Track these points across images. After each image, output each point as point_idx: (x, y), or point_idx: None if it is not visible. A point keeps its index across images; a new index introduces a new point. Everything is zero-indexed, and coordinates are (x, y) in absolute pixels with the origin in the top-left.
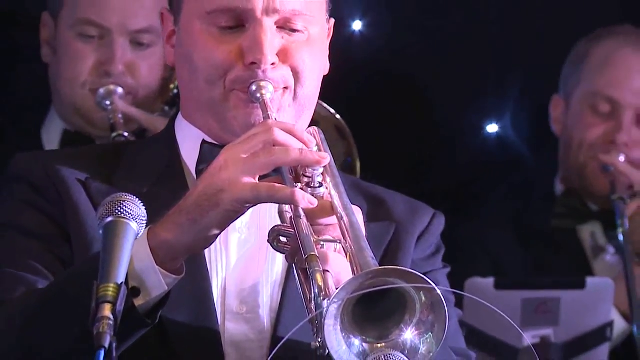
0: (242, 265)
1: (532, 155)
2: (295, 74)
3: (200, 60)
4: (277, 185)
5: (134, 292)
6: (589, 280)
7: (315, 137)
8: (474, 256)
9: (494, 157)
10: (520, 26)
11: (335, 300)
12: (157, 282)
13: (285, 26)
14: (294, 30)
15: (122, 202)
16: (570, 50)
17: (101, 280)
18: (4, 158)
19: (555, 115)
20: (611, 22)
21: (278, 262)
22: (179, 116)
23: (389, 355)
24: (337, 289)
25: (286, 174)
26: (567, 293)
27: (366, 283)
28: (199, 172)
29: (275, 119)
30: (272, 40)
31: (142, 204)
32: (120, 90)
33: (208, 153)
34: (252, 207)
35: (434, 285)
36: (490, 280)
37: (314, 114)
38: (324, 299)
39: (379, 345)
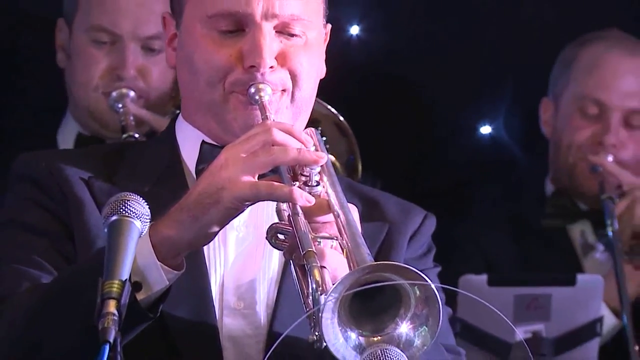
0: (240, 262)
1: (523, 156)
2: (293, 77)
3: (201, 62)
4: (275, 183)
5: (136, 286)
6: (579, 277)
7: (312, 137)
8: (468, 254)
9: (487, 158)
10: (511, 32)
11: (333, 295)
12: (159, 277)
13: (283, 31)
14: (292, 35)
15: (126, 201)
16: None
17: (106, 277)
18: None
19: (545, 118)
20: (598, 26)
21: (274, 259)
22: (180, 117)
23: (385, 350)
24: (334, 284)
25: (284, 173)
26: (558, 290)
27: (362, 278)
28: (199, 172)
29: (274, 120)
30: (270, 44)
31: (145, 203)
32: (132, 93)
33: (208, 153)
34: (251, 205)
35: (428, 280)
36: (483, 277)
37: (316, 113)
38: (321, 294)
39: (375, 338)
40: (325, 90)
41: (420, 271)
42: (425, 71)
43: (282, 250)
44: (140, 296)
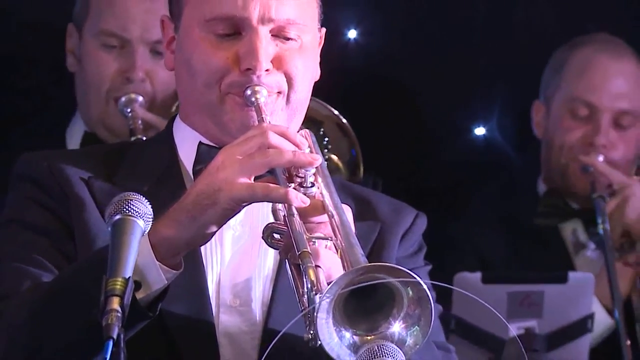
0: (236, 261)
1: (516, 157)
2: (289, 80)
3: (199, 65)
4: (271, 185)
5: (135, 286)
6: (571, 274)
7: (307, 139)
8: (463, 252)
9: (481, 158)
10: (504, 37)
11: (327, 295)
12: (158, 276)
13: (279, 34)
14: (288, 39)
15: (130, 201)
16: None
17: (110, 275)
18: None
19: (536, 120)
20: (589, 30)
21: (269, 258)
22: (177, 118)
23: (382, 346)
24: (328, 284)
25: (280, 175)
26: (550, 287)
27: (356, 279)
28: (196, 172)
29: (269, 122)
30: (266, 47)
31: (148, 203)
32: (140, 98)
33: (205, 154)
34: (247, 205)
35: (420, 280)
36: (477, 275)
37: (319, 114)
38: (316, 294)
39: (369, 337)
40: (323, 92)
41: (412, 269)
42: (421, 74)
43: (277, 250)
44: (139, 295)
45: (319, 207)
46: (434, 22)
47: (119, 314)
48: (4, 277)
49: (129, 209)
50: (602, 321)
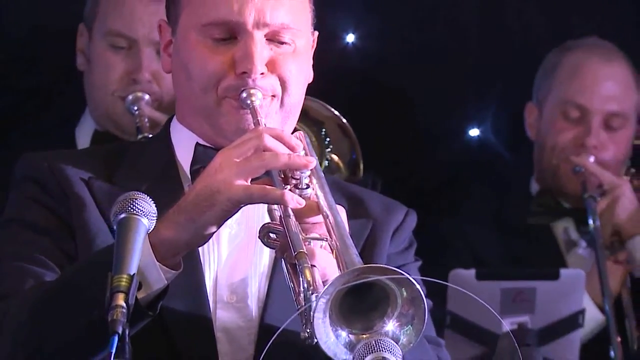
0: (233, 259)
1: (509, 157)
2: (283, 83)
3: (196, 69)
4: (268, 187)
5: None
6: (562, 271)
7: (302, 141)
8: (458, 249)
9: (476, 159)
10: (498, 42)
11: (324, 296)
12: (158, 276)
13: (273, 39)
14: (282, 43)
15: (135, 200)
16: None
17: (115, 272)
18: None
19: (529, 121)
20: (581, 33)
21: (265, 255)
22: (174, 119)
23: (379, 341)
24: (323, 283)
25: (276, 177)
26: (542, 283)
27: (352, 280)
28: (193, 172)
29: (265, 124)
30: (261, 51)
31: (152, 202)
32: (147, 97)
33: (202, 154)
34: (244, 206)
35: (411, 278)
36: (472, 272)
37: (321, 115)
38: (312, 293)
39: (364, 336)
40: (322, 94)
41: (403, 265)
42: (417, 77)
43: (273, 249)
44: (140, 295)
45: (314, 208)
46: (429, 27)
47: (124, 310)
48: (6, 276)
49: (134, 207)
50: (593, 317)
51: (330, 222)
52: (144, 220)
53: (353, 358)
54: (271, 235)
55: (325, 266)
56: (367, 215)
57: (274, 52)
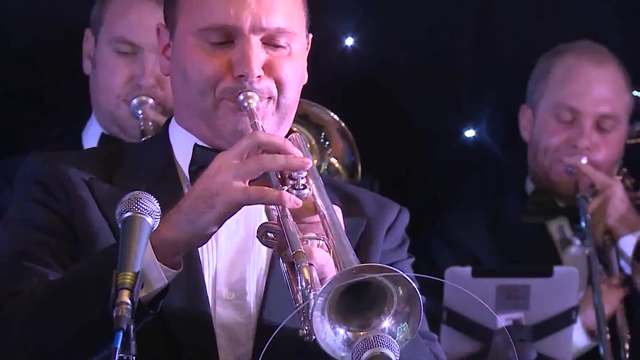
0: (231, 256)
1: (505, 157)
2: (279, 86)
3: (193, 72)
4: (266, 188)
5: None
6: (556, 269)
7: (297, 142)
8: (454, 248)
9: (471, 159)
10: (494, 45)
11: (323, 294)
12: (159, 276)
13: (269, 42)
14: (278, 46)
15: (139, 199)
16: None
17: (120, 269)
18: None
19: (523, 123)
20: (573, 37)
21: (262, 253)
22: (173, 121)
23: (377, 337)
24: (321, 281)
25: (273, 178)
26: (536, 280)
27: (349, 279)
28: (192, 172)
29: (262, 126)
30: (258, 55)
31: (156, 201)
32: (151, 101)
33: (200, 155)
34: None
35: (405, 275)
36: (468, 269)
37: (321, 119)
38: (310, 292)
39: (362, 333)
40: (321, 97)
41: (396, 262)
42: (414, 79)
43: (271, 248)
44: (141, 294)
45: (311, 208)
46: (426, 31)
47: (129, 306)
48: (10, 275)
49: (139, 206)
50: (583, 344)
51: (327, 222)
52: (148, 219)
53: (352, 353)
54: (269, 234)
55: (322, 264)
56: (361, 214)
57: (269, 55)
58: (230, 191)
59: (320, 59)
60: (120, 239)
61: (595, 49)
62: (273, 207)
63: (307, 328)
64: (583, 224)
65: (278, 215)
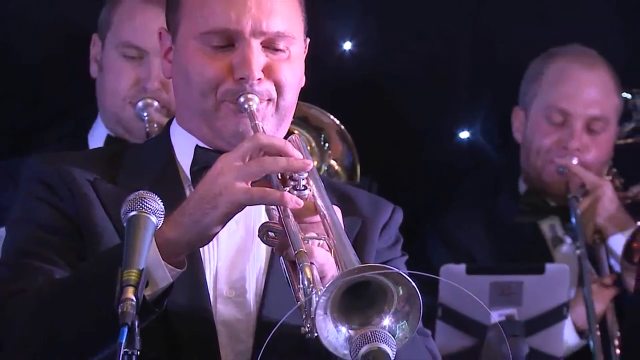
0: (232, 255)
1: (498, 158)
2: (278, 88)
3: (195, 75)
4: (267, 189)
5: None
6: (548, 266)
7: (297, 143)
8: (449, 246)
9: (466, 160)
10: (488, 49)
11: (325, 294)
12: (163, 275)
13: (269, 46)
14: (277, 50)
15: (144, 198)
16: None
17: (125, 267)
18: None
19: (516, 125)
20: (565, 41)
21: (262, 252)
22: (174, 122)
23: (375, 332)
24: (322, 279)
25: (275, 179)
26: (529, 277)
27: (351, 278)
28: (193, 173)
29: (262, 128)
30: (258, 58)
31: (160, 200)
32: (156, 103)
33: (201, 156)
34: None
35: (402, 272)
36: (462, 267)
37: (320, 121)
38: (312, 290)
39: (362, 330)
40: (320, 100)
41: (391, 260)
42: (411, 83)
43: (272, 247)
44: (146, 292)
45: (312, 208)
46: (423, 35)
47: (134, 303)
48: (17, 274)
49: (143, 206)
50: (573, 343)
51: (327, 222)
52: (153, 218)
53: (350, 349)
54: (270, 233)
55: (322, 263)
56: (357, 213)
57: (269, 58)
58: (233, 192)
59: (320, 62)
60: (125, 237)
61: (586, 53)
62: (274, 207)
63: (309, 326)
64: (574, 224)
65: (279, 215)
